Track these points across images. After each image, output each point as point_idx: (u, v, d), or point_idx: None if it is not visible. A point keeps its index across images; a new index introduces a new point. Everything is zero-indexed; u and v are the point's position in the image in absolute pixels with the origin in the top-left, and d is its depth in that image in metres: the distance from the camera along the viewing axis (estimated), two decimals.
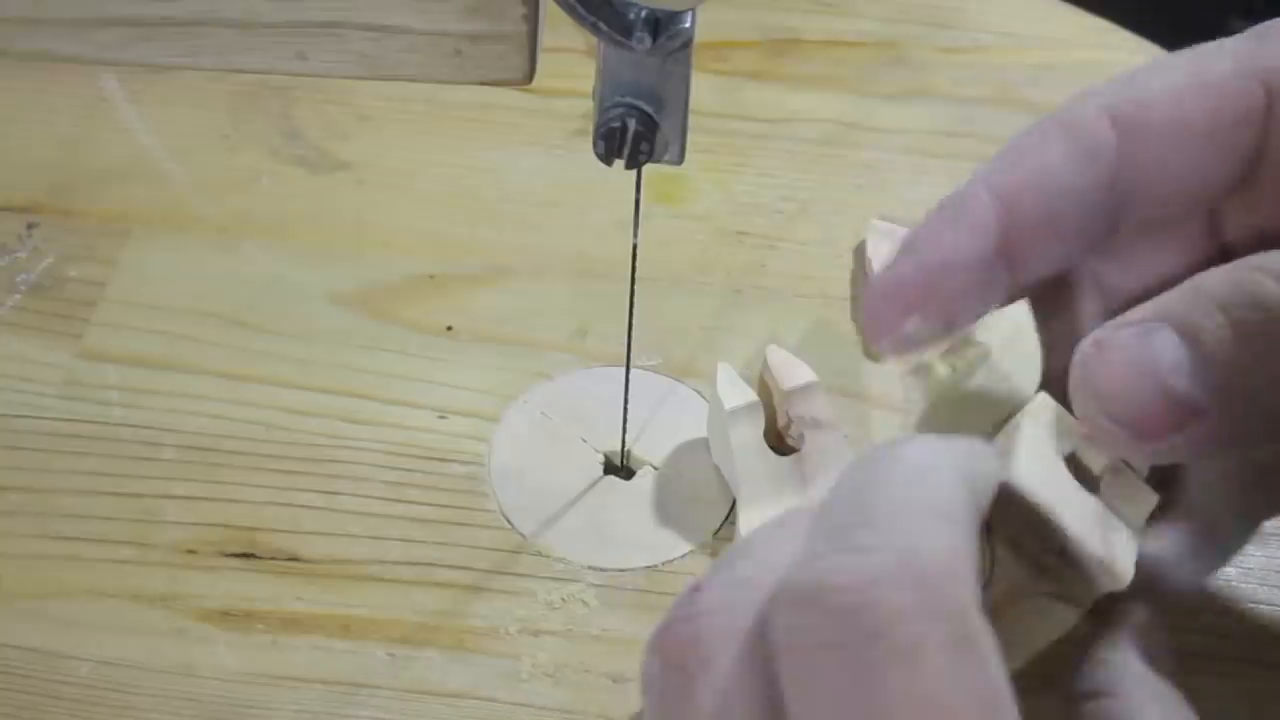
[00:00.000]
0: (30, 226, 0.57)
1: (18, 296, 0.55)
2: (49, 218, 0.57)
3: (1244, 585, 0.47)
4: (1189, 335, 0.29)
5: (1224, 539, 0.39)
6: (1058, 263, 0.34)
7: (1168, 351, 0.29)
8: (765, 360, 0.51)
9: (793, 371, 0.50)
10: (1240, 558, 0.47)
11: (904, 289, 0.34)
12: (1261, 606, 0.47)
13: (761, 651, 0.24)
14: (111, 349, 0.53)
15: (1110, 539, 0.31)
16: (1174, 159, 0.34)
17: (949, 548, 0.24)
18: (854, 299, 0.55)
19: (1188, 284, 0.30)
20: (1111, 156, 0.34)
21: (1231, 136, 0.34)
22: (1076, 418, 0.31)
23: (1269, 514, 0.40)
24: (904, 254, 0.35)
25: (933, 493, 0.25)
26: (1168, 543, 0.37)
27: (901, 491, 0.25)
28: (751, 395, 0.48)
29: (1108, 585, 0.31)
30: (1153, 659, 0.32)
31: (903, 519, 0.24)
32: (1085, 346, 0.31)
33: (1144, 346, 0.29)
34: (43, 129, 0.61)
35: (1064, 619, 0.32)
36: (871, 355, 0.54)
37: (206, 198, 0.58)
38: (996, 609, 0.31)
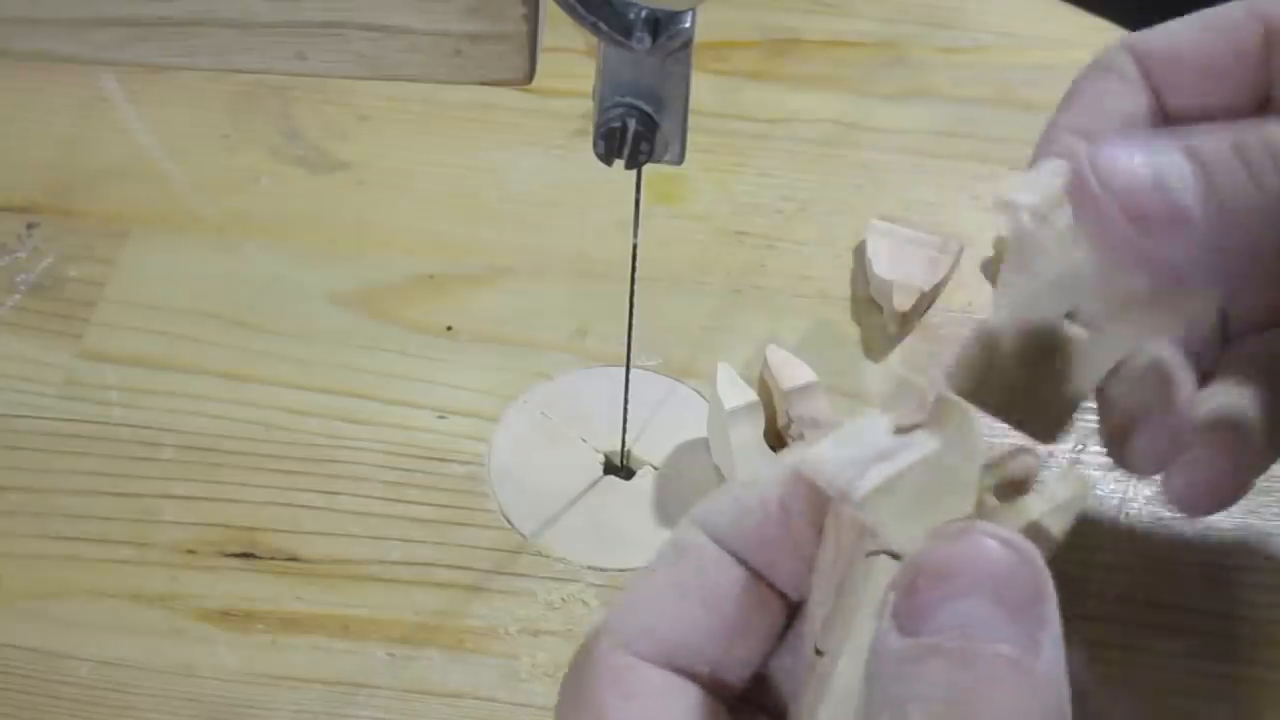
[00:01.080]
0: (30, 226, 0.57)
1: (18, 296, 0.55)
2: (48, 218, 0.57)
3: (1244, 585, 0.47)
4: (1193, 154, 0.32)
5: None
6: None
7: (1173, 161, 0.32)
8: (765, 360, 0.51)
9: (793, 371, 0.50)
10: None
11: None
12: (1262, 607, 0.47)
13: None
14: (111, 349, 0.53)
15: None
16: (1195, 89, 0.39)
17: (637, 599, 0.31)
18: (854, 299, 0.55)
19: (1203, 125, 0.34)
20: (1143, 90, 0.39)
21: (1238, 69, 0.38)
22: (1080, 219, 0.33)
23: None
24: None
25: (661, 555, 0.31)
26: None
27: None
28: (751, 395, 0.48)
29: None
30: None
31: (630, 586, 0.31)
32: (1095, 149, 0.33)
33: (1155, 147, 0.33)
34: (42, 129, 0.61)
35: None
36: (872, 355, 0.54)
37: (206, 198, 0.58)
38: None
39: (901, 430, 0.30)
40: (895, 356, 0.53)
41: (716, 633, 0.29)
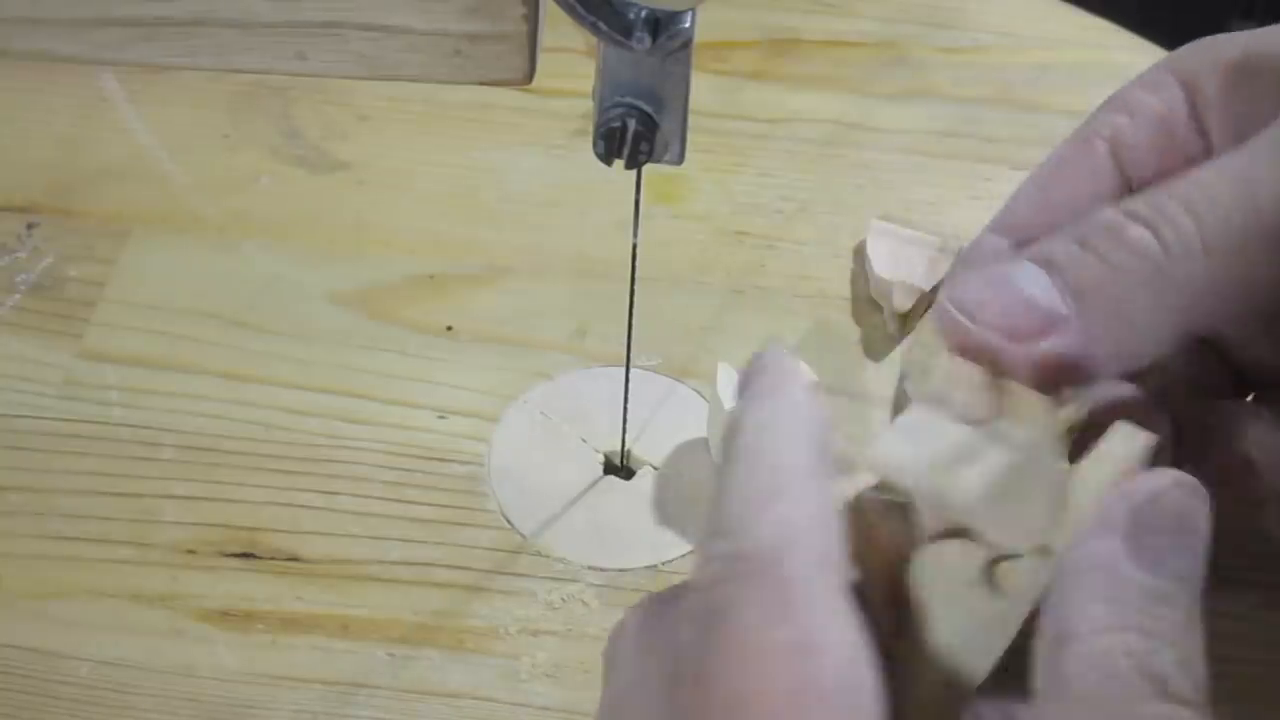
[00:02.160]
0: (30, 226, 0.57)
1: (18, 296, 0.55)
2: (49, 218, 0.57)
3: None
4: (1044, 260, 0.33)
5: None
6: None
7: (1029, 274, 0.33)
8: None
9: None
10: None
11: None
12: (1262, 607, 0.47)
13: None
14: (111, 349, 0.53)
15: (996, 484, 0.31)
16: (1152, 160, 0.40)
17: (776, 526, 0.28)
18: (854, 299, 0.55)
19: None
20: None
21: (1181, 131, 0.39)
22: (949, 349, 0.33)
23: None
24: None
25: (760, 477, 0.30)
26: None
27: (738, 488, 0.30)
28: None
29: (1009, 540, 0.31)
30: (1136, 548, 0.32)
31: (736, 520, 0.29)
32: (948, 284, 0.35)
33: (1007, 270, 0.34)
34: (42, 129, 0.61)
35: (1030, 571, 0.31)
36: (872, 355, 0.54)
37: (206, 198, 0.58)
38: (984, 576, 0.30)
39: (972, 422, 0.32)
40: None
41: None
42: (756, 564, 0.28)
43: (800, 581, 0.27)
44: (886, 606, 0.30)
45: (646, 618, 0.31)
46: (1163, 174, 0.38)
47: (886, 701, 0.27)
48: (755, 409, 0.31)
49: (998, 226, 0.41)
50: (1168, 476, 0.29)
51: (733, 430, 0.31)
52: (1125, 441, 0.31)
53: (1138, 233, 0.33)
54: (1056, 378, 0.33)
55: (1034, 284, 0.33)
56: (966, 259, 0.41)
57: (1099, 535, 0.28)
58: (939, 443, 0.31)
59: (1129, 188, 0.39)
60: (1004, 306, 0.33)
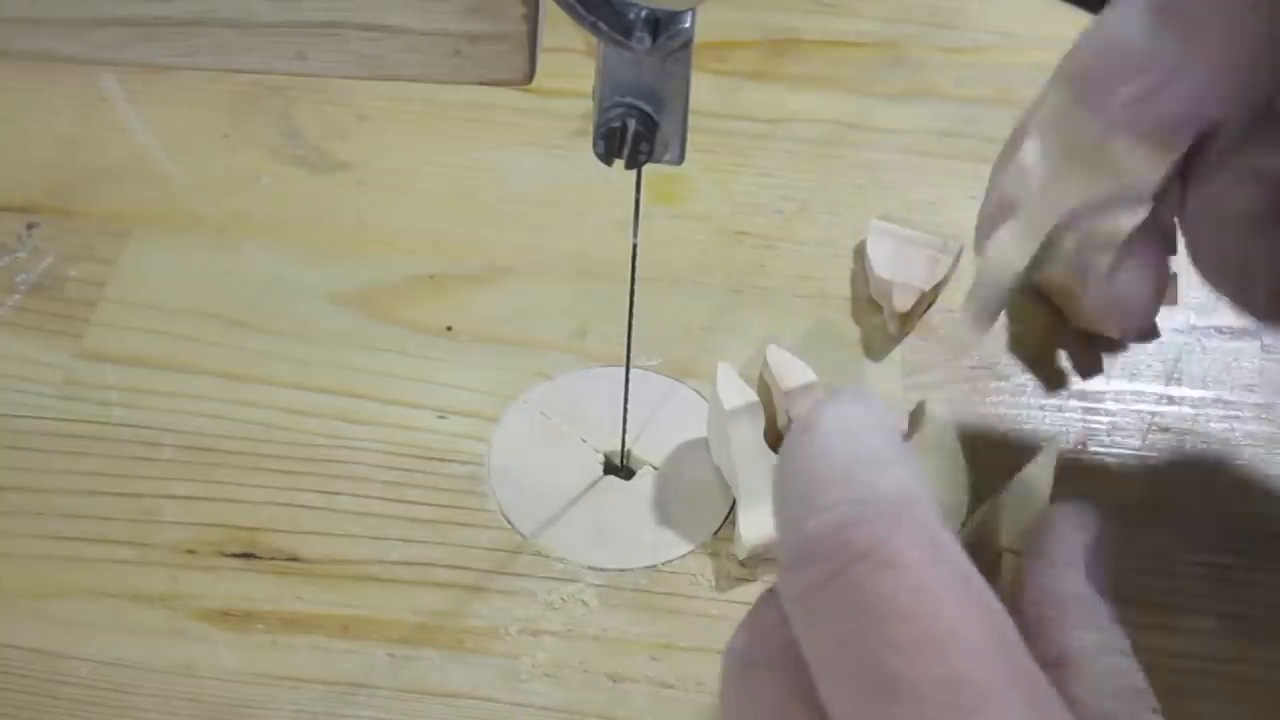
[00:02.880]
0: (30, 226, 0.57)
1: (18, 296, 0.55)
2: (49, 218, 0.57)
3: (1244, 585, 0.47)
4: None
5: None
6: None
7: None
8: (765, 360, 0.51)
9: (793, 371, 0.50)
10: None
11: None
12: (1262, 607, 0.47)
13: (775, 620, 0.28)
14: (111, 349, 0.53)
15: None
16: None
17: (896, 483, 0.27)
18: (854, 299, 0.55)
19: None
20: None
21: None
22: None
23: None
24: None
25: (863, 446, 0.28)
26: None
27: (838, 455, 0.28)
28: (751, 395, 0.48)
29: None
30: (1093, 577, 0.32)
31: (848, 475, 0.27)
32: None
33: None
34: (42, 129, 0.61)
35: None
36: (872, 355, 0.54)
37: (206, 198, 0.58)
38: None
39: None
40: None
41: None
42: (894, 507, 0.27)
43: (941, 526, 0.27)
44: None
45: (752, 635, 0.29)
46: None
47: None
48: (835, 405, 0.30)
49: None
50: (1080, 507, 0.30)
51: (809, 420, 0.30)
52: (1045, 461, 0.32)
53: None
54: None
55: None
56: None
57: (1066, 564, 0.29)
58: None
59: None
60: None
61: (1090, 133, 0.39)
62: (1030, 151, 0.39)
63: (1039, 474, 0.36)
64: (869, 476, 0.27)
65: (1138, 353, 0.53)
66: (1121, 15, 0.38)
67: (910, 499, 0.27)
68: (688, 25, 0.39)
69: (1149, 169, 0.38)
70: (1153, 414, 0.52)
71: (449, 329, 0.54)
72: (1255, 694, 0.45)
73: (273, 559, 0.47)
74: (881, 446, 0.28)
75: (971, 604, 0.26)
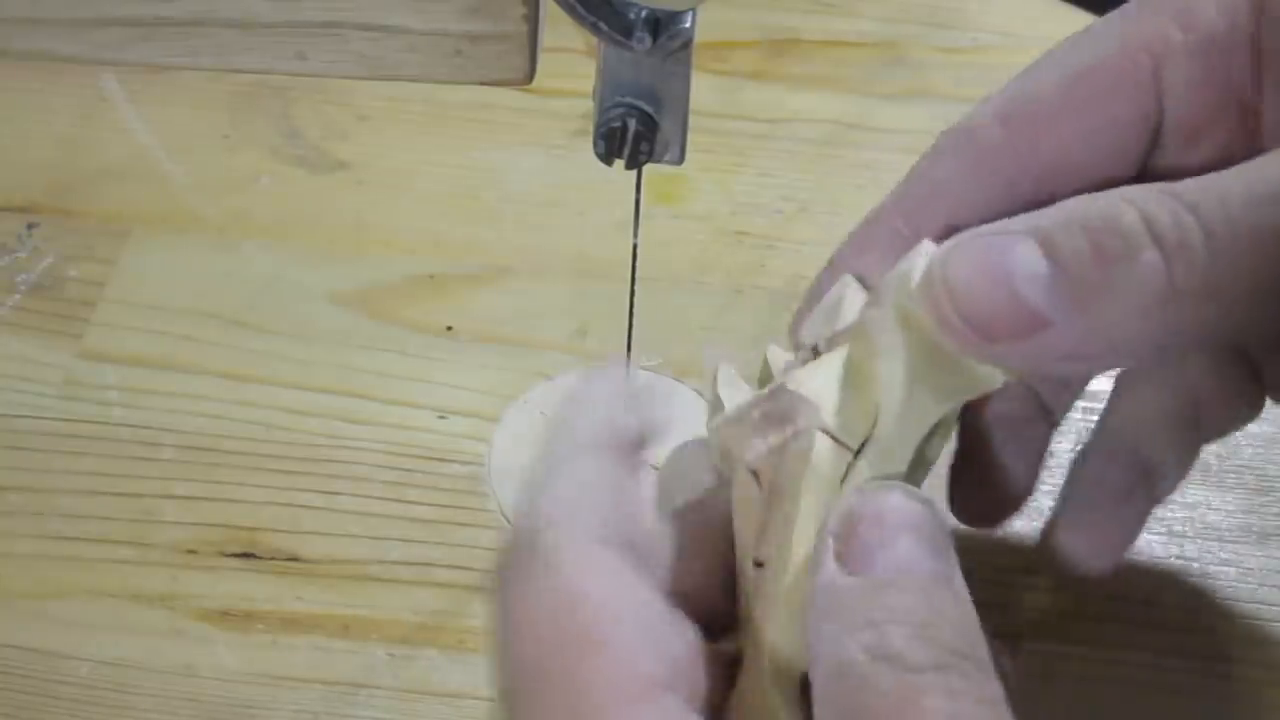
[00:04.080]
0: (30, 226, 0.57)
1: (18, 296, 0.55)
2: (49, 218, 0.57)
3: (1243, 585, 0.47)
4: (1049, 248, 0.30)
5: (1159, 476, 0.40)
6: None
7: (1027, 261, 0.29)
8: (765, 360, 0.51)
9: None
10: (1240, 558, 0.47)
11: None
12: (1261, 607, 0.47)
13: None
14: (111, 349, 0.53)
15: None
16: (1074, 148, 0.35)
17: (547, 505, 0.30)
18: None
19: (1061, 203, 0.31)
20: (1004, 159, 0.35)
21: (1128, 111, 0.35)
22: (925, 313, 0.30)
23: (1199, 445, 0.41)
24: (822, 277, 0.38)
25: (551, 460, 0.31)
26: (1102, 485, 0.39)
27: (533, 475, 0.31)
28: (751, 395, 0.48)
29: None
30: None
31: (522, 505, 0.31)
32: (946, 245, 0.31)
33: (1004, 251, 0.30)
34: (42, 129, 0.61)
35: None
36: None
37: (206, 198, 0.58)
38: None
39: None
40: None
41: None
42: (524, 538, 0.30)
43: (561, 548, 0.29)
44: (726, 598, 0.31)
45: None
46: (1199, 122, 0.34)
47: (684, 658, 0.29)
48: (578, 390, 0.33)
49: (1011, 97, 0.36)
50: (864, 491, 0.30)
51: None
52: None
53: (1151, 258, 0.29)
54: (1023, 373, 0.32)
55: (1028, 276, 0.29)
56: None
57: (817, 565, 0.29)
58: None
59: (1158, 128, 0.34)
60: (991, 300, 0.29)
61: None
62: (886, 373, 0.31)
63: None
64: (531, 500, 0.31)
65: None
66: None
67: (549, 521, 0.30)
68: (688, 25, 0.39)
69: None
70: None
71: (449, 329, 0.54)
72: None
73: (273, 559, 0.47)
74: (560, 452, 0.32)
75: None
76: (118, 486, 0.49)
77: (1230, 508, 0.49)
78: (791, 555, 0.30)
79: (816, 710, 0.28)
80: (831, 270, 0.37)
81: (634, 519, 0.31)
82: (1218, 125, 0.34)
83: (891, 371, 0.30)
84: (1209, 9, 0.34)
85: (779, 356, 0.51)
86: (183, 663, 0.45)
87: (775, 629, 0.30)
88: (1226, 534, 0.48)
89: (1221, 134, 0.35)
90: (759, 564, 0.31)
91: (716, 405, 0.49)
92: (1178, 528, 0.48)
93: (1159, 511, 0.41)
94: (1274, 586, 0.47)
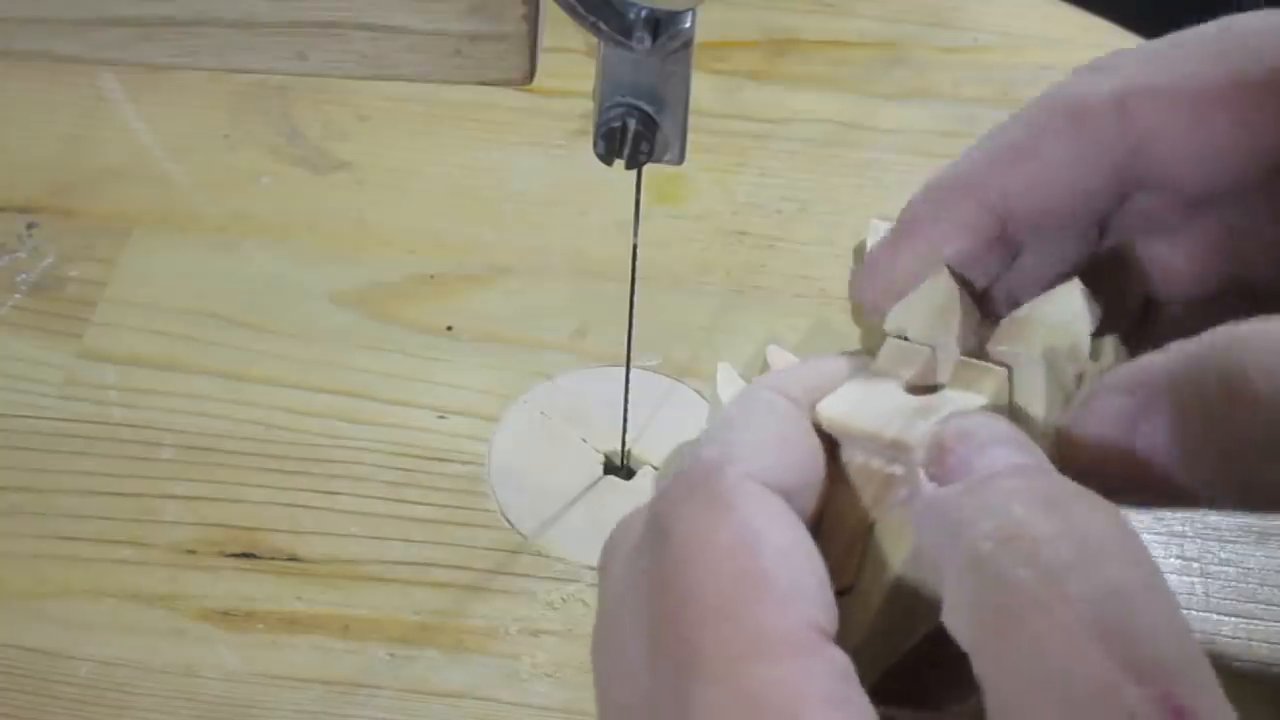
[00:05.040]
0: (30, 226, 0.57)
1: (18, 296, 0.55)
2: (49, 218, 0.57)
3: (1244, 585, 0.47)
4: (1178, 415, 0.28)
5: None
6: (1062, 250, 0.34)
7: (1157, 436, 0.29)
8: (765, 360, 0.51)
9: None
10: (1240, 558, 0.47)
11: (893, 274, 0.36)
12: (1261, 606, 0.47)
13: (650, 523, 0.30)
14: (111, 349, 0.53)
15: (922, 423, 0.30)
16: (1200, 148, 0.32)
17: (720, 447, 0.30)
18: (854, 299, 0.55)
19: (1190, 359, 0.29)
20: (1118, 143, 0.33)
21: (1263, 124, 0.32)
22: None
23: None
24: (896, 238, 0.36)
25: (727, 415, 0.31)
26: None
27: (737, 411, 0.31)
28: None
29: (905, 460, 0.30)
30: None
31: (694, 447, 0.30)
32: (1079, 406, 0.30)
33: (1131, 430, 0.29)
34: (43, 128, 0.61)
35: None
36: (872, 355, 0.53)
37: (206, 198, 0.58)
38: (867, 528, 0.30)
39: (917, 391, 0.32)
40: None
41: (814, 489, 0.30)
42: (696, 477, 0.29)
43: (735, 490, 0.28)
44: (847, 558, 0.31)
45: (628, 534, 0.31)
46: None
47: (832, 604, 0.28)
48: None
49: (1130, 77, 0.33)
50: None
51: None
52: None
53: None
54: None
55: (1152, 448, 0.28)
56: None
57: (915, 492, 0.28)
58: (886, 404, 0.32)
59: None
60: (1108, 462, 0.29)
61: None
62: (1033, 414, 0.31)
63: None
64: (704, 443, 0.30)
65: None
66: None
67: (722, 461, 0.29)
68: (688, 25, 0.39)
69: None
70: None
71: (449, 329, 0.54)
72: None
73: (273, 559, 0.47)
74: (736, 409, 0.31)
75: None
76: (118, 486, 0.49)
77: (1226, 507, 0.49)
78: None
79: (960, 628, 0.26)
80: (902, 234, 0.36)
81: (802, 470, 0.30)
82: None
83: (1036, 415, 0.31)
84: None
85: (779, 357, 0.51)
86: (183, 663, 0.45)
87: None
88: (1226, 534, 0.48)
89: None
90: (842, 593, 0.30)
91: (716, 405, 0.49)
92: (1178, 528, 0.48)
93: (1159, 511, 0.41)
94: (1274, 586, 0.47)
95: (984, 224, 0.33)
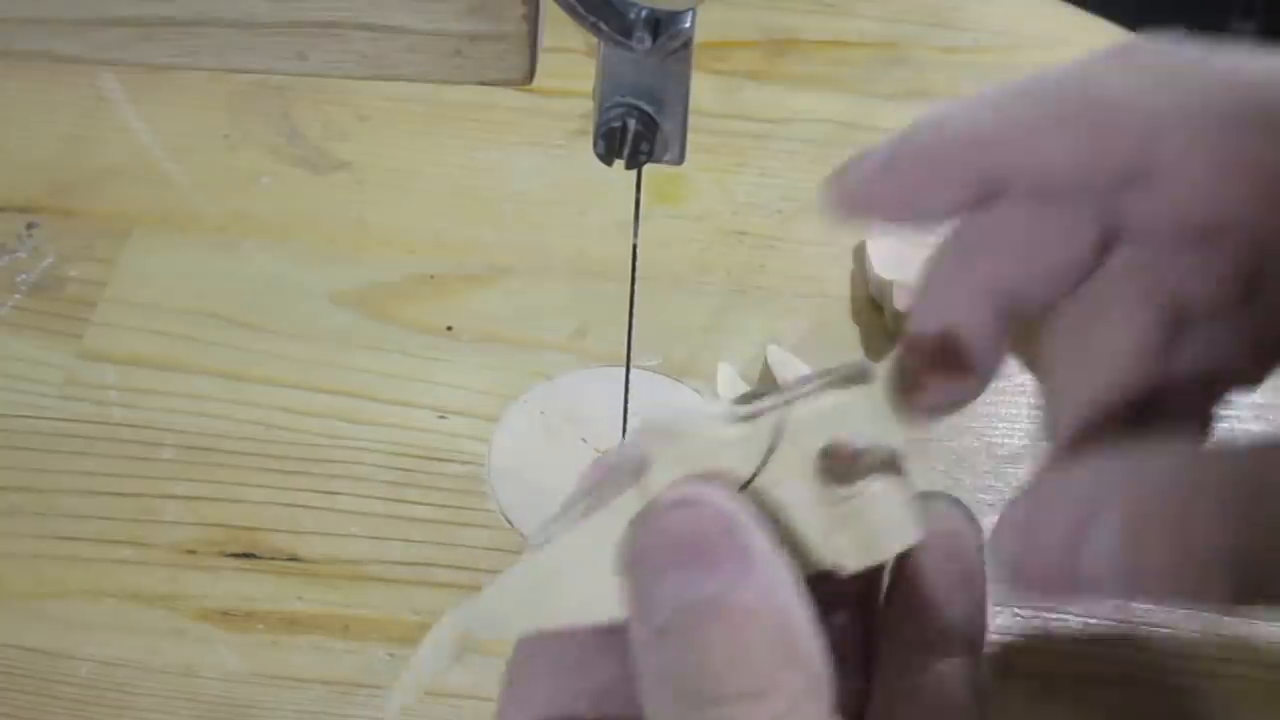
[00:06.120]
0: (30, 226, 0.57)
1: (18, 296, 0.55)
2: (49, 218, 0.57)
3: None
4: (1128, 522, 0.27)
5: None
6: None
7: (1101, 542, 0.27)
8: (765, 360, 0.51)
9: (793, 371, 0.50)
10: None
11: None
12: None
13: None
14: (111, 349, 0.53)
15: None
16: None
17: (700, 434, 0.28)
18: (854, 299, 0.55)
19: (1144, 466, 0.27)
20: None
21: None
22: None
23: None
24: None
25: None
26: None
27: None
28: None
29: None
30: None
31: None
32: (1016, 512, 0.29)
33: (1078, 543, 0.27)
34: (43, 129, 0.61)
35: None
36: (872, 355, 0.54)
37: (206, 198, 0.58)
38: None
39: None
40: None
41: None
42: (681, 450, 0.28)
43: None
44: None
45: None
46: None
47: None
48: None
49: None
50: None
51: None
52: None
53: None
54: None
55: (1097, 559, 0.27)
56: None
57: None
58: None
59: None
60: (1052, 579, 0.27)
61: None
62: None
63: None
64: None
65: None
66: None
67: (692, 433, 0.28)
68: (688, 25, 0.39)
69: None
70: None
71: (449, 329, 0.54)
72: None
73: (273, 559, 0.47)
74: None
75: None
76: (118, 486, 0.49)
77: None
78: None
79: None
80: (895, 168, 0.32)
81: None
82: None
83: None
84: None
85: (779, 356, 0.52)
86: (183, 663, 0.45)
87: None
88: None
89: None
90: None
91: (716, 405, 0.49)
92: None
93: None
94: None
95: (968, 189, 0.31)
